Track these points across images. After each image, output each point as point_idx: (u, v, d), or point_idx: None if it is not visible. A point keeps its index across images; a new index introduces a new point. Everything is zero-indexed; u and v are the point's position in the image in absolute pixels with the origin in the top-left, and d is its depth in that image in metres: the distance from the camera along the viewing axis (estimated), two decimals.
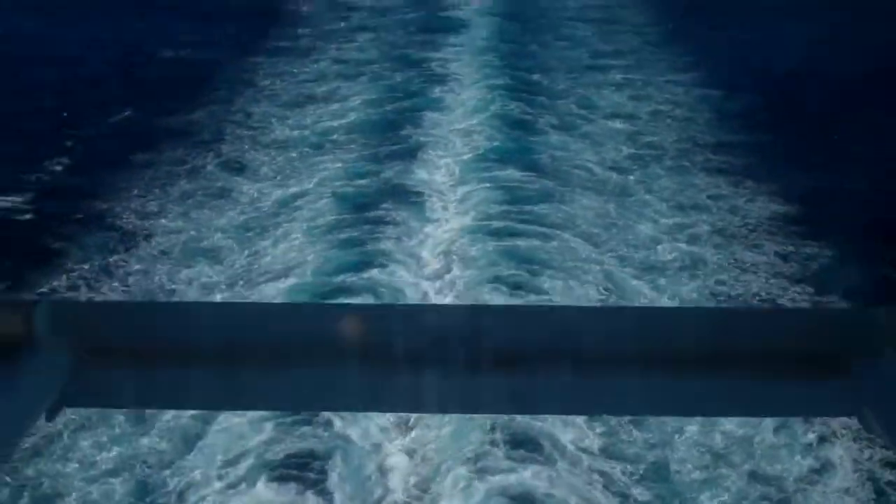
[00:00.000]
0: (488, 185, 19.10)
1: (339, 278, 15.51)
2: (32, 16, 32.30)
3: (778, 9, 33.04)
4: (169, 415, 11.67)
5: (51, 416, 2.09)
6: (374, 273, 15.60)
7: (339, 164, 20.45)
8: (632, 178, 19.97)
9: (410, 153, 20.88)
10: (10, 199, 18.91)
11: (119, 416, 11.59)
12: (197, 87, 25.68)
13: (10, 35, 30.13)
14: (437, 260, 16.21)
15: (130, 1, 35.27)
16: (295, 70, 27.93)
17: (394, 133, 22.28)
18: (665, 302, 15.13)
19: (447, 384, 2.19)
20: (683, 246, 17.06)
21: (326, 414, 11.52)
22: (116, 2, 35.16)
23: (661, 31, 32.71)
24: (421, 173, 19.88)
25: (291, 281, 15.57)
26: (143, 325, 2.30)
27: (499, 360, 2.15)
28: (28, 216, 18.43)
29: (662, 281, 15.87)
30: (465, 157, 20.65)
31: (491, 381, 2.17)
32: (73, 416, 11.38)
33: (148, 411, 11.27)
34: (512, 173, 19.68)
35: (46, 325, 2.14)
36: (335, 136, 22.22)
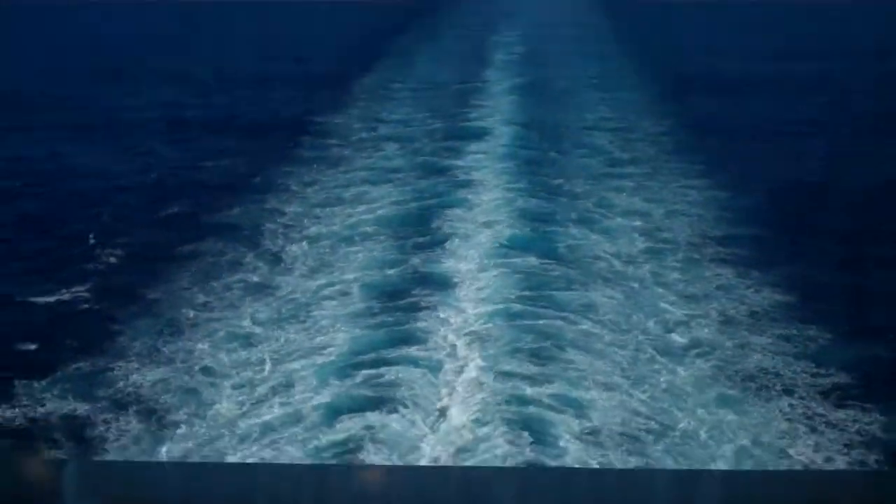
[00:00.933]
0: (510, 272, 20.19)
1: (370, 356, 16.52)
2: (93, 138, 34.75)
3: (781, 128, 34.79)
4: None
5: None
6: (403, 352, 16.58)
7: (369, 255, 21.78)
8: (647, 268, 21.06)
9: (436, 244, 22.19)
10: (73, 289, 20.59)
11: None
12: (236, 190, 27.42)
13: (72, 152, 32.47)
14: (463, 342, 17.17)
15: (177, 120, 37.56)
16: (325, 178, 29.43)
17: (420, 227, 23.66)
18: (680, 384, 16.00)
19: None
20: (695, 331, 18.04)
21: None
22: (165, 122, 37.60)
23: (674, 141, 34.33)
24: (447, 262, 21.07)
25: (323, 359, 16.61)
26: (170, 486, 2.35)
27: None
28: (87, 305, 20.00)
29: (677, 364, 16.75)
30: (489, 247, 21.81)
31: None
32: None
33: None
34: (533, 262, 20.79)
35: (75, 485, 2.20)
36: (365, 229, 23.66)
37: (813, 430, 14.26)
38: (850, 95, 43.65)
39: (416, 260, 21.23)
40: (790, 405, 14.97)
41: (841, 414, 14.69)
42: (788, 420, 14.52)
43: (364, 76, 48.77)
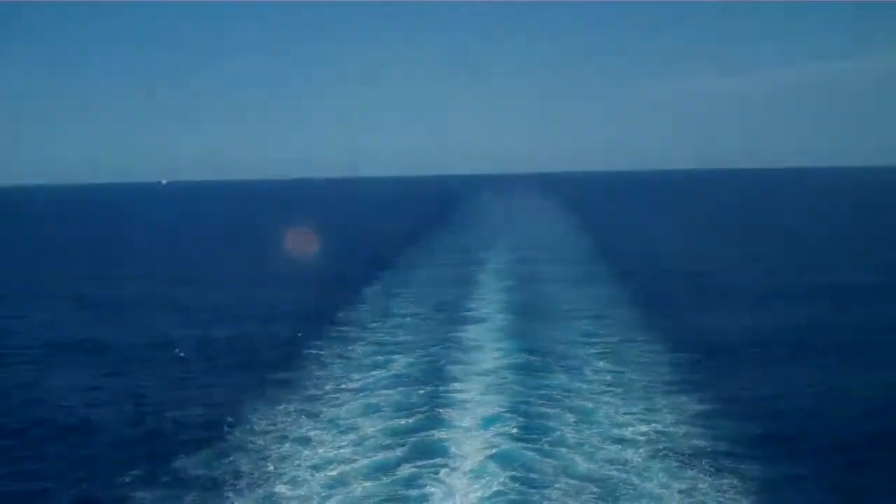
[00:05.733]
0: (506, 433, 23.94)
1: None
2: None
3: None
4: None
5: None
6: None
7: (378, 428, 25.51)
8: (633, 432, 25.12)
9: (437, 413, 26.14)
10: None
11: None
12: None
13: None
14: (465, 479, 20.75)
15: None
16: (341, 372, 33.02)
17: (420, 400, 27.79)
18: None
19: None
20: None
21: None
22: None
23: (642, 315, 39.70)
24: (448, 423, 25.21)
25: None
26: None
27: None
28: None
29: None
30: (485, 413, 25.85)
31: None
32: None
33: None
34: (525, 407, 26.15)
35: None
36: (375, 401, 27.94)
37: None
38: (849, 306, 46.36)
39: (418, 426, 25.14)
40: None
41: None
42: None
43: (371, 284, 54.17)
